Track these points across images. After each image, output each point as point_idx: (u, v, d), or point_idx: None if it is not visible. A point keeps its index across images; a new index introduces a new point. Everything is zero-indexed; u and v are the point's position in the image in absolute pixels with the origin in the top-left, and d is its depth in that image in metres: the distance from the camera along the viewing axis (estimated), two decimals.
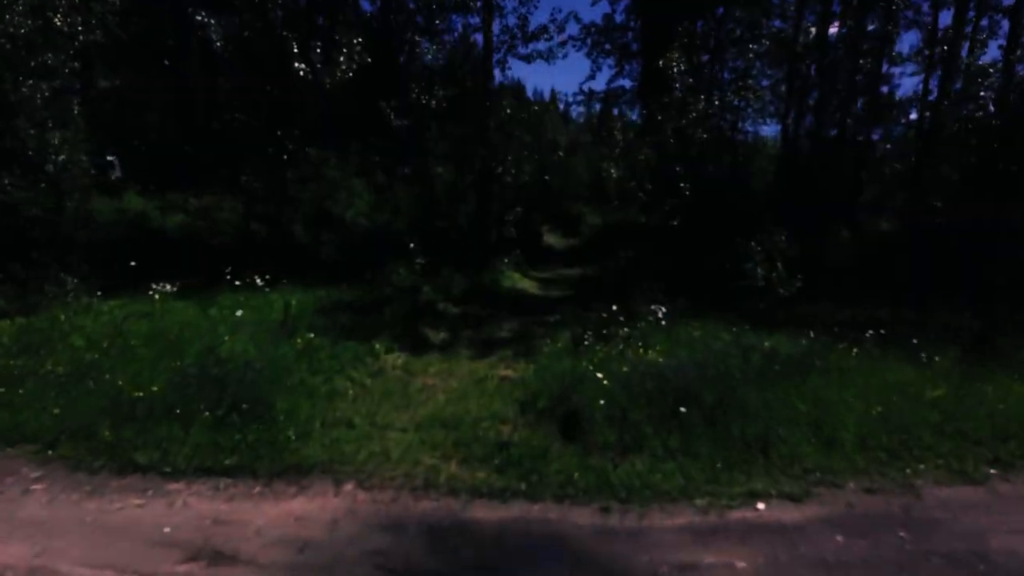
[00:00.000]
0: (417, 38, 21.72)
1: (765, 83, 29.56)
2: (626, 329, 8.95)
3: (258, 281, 10.87)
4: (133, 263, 10.69)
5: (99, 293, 10.30)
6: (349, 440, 6.44)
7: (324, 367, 8.28)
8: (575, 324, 10.87)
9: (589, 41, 32.42)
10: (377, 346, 9.45)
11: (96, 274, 11.47)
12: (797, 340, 9.96)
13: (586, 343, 8.62)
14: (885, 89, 22.24)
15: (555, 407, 6.78)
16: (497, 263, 16.33)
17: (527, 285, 15.94)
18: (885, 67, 23.72)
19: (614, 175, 25.74)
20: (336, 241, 16.15)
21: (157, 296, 10.22)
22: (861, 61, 21.89)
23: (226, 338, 8.25)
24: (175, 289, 10.92)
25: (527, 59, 16.31)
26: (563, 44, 30.49)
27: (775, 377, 7.50)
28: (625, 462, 6.05)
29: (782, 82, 27.57)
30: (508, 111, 15.83)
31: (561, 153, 24.58)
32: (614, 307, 9.60)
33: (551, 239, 23.24)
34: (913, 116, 24.08)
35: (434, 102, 17.38)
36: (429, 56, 22.06)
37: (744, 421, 6.59)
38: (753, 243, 12.08)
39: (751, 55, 23.63)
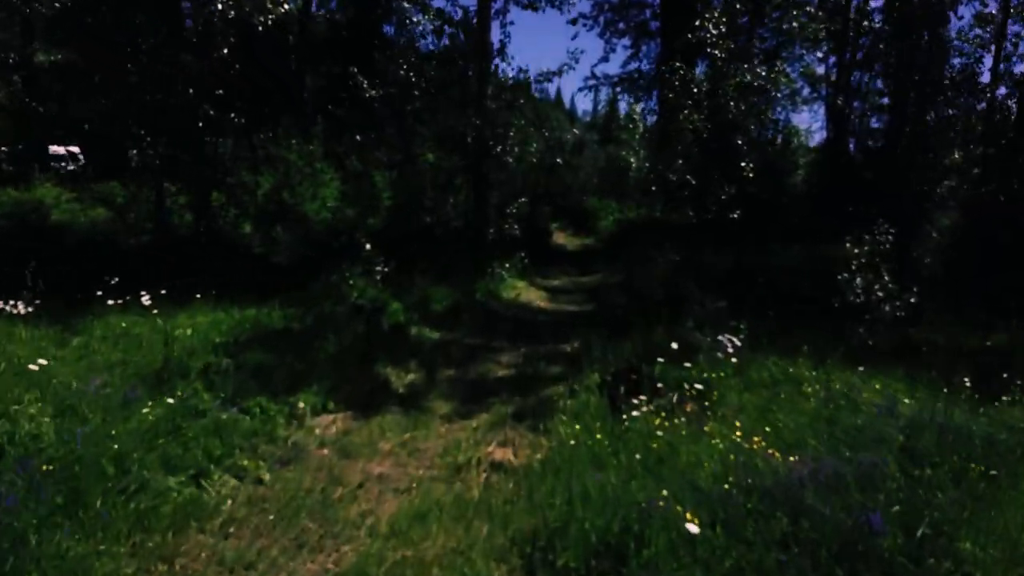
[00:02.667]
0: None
1: (795, 68, 26.22)
2: (697, 387, 5.56)
3: (144, 299, 7.49)
4: None
5: None
6: None
7: (195, 451, 4.94)
8: (604, 360, 7.56)
9: (602, 19, 29.39)
10: (302, 403, 6.12)
11: None
12: (950, 394, 6.60)
13: (634, 410, 5.21)
14: (957, 63, 18.58)
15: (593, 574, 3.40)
16: (496, 267, 12.99)
17: (534, 296, 12.60)
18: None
19: (634, 164, 22.42)
20: (296, 240, 12.86)
21: None
22: (925, 34, 18.36)
23: (21, 403, 4.87)
24: (30, 309, 7.62)
25: (533, 7, 12.94)
26: (574, 22, 27.39)
27: (996, 494, 4.11)
28: None
29: (822, 61, 24.21)
30: (510, 79, 12.52)
31: (571, 135, 21.13)
32: (674, 343, 6.23)
33: (561, 238, 19.85)
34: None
35: (424, 81, 14.11)
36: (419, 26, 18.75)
37: None
38: (848, 243, 8.71)
39: (795, 24, 20.15)
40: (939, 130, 15.04)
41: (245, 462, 5.03)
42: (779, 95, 25.69)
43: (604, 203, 23.00)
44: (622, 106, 50.76)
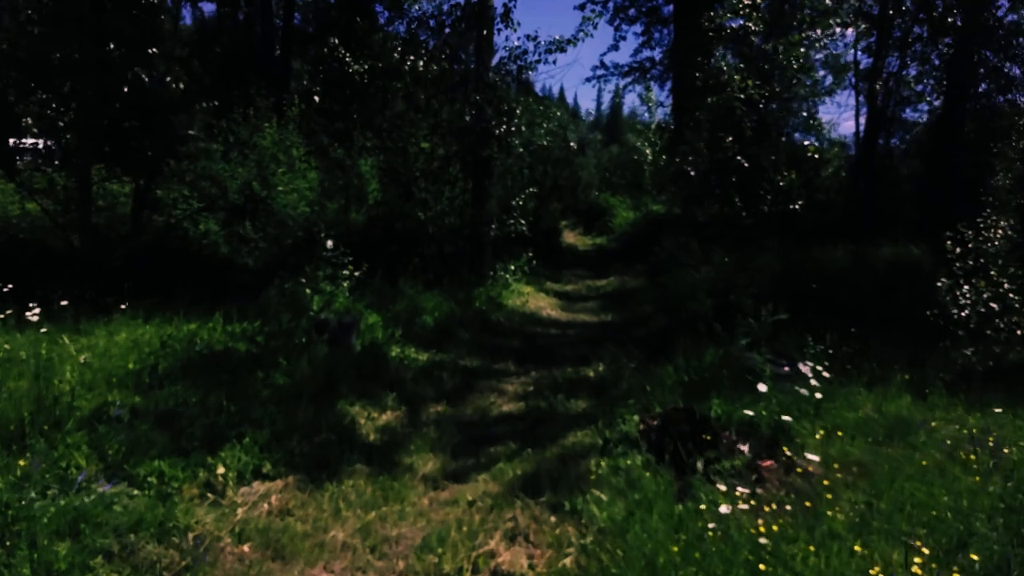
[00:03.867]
0: None
1: (818, 57, 24.34)
2: (809, 459, 3.71)
3: (31, 314, 5.65)
4: None
5: None
6: None
7: (22, 566, 3.12)
8: (642, 392, 5.75)
9: (611, 5, 27.84)
10: (223, 467, 4.28)
11: None
12: None
13: (721, 501, 3.35)
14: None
15: None
16: (498, 270, 11.16)
17: (544, 304, 10.76)
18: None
19: (649, 157, 20.64)
20: (267, 237, 11.07)
21: None
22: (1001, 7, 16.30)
23: None
24: None
25: None
26: (582, 7, 25.90)
27: None
28: None
29: (853, 47, 22.31)
30: (516, 47, 10.67)
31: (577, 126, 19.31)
32: (749, 377, 4.39)
33: (571, 237, 17.99)
34: None
35: (419, 58, 12.33)
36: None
37: None
38: (950, 242, 6.84)
39: (827, 1, 18.22)
40: (1012, 116, 13.11)
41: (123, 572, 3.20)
42: (804, 83, 23.89)
43: (619, 199, 21.10)
44: (630, 99, 49.67)
